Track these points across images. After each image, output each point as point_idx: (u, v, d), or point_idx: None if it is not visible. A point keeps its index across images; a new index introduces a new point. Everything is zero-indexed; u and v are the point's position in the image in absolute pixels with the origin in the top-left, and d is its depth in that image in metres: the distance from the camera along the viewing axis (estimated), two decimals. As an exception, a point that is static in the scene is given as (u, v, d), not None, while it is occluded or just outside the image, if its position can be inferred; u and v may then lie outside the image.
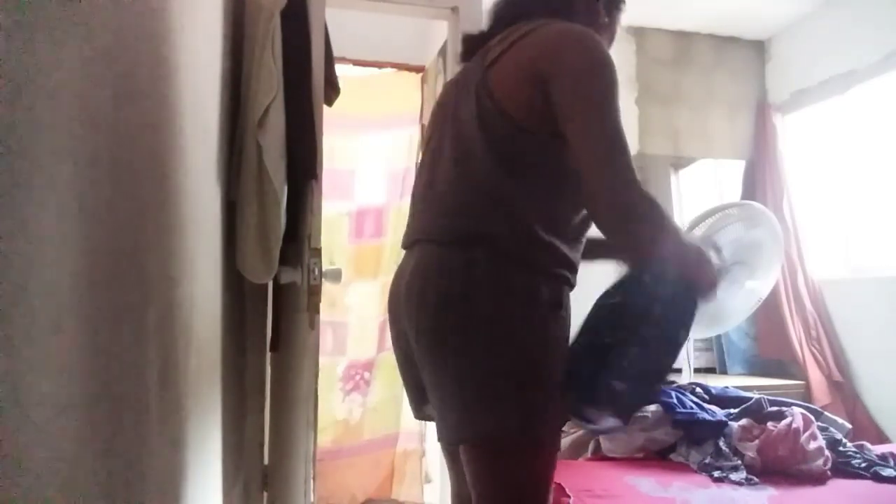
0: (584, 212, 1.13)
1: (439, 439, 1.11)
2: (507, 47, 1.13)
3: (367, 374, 3.08)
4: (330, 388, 2.99)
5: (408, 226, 1.26)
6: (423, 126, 3.05)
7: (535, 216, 1.08)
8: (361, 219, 3.09)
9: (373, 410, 3.06)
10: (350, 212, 3.08)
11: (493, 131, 1.09)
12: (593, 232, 1.16)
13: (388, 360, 3.03)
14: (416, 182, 1.27)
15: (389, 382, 3.04)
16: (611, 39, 1.30)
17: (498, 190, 1.09)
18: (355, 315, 3.08)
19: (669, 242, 1.08)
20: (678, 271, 1.10)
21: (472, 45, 1.24)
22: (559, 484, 1.65)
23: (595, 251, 1.33)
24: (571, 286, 1.15)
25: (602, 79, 1.06)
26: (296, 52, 1.51)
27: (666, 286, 1.09)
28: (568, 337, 1.12)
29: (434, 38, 2.76)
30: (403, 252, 1.25)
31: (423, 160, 1.28)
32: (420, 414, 1.25)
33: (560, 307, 1.10)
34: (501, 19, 1.24)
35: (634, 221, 1.04)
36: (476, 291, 1.05)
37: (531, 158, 1.09)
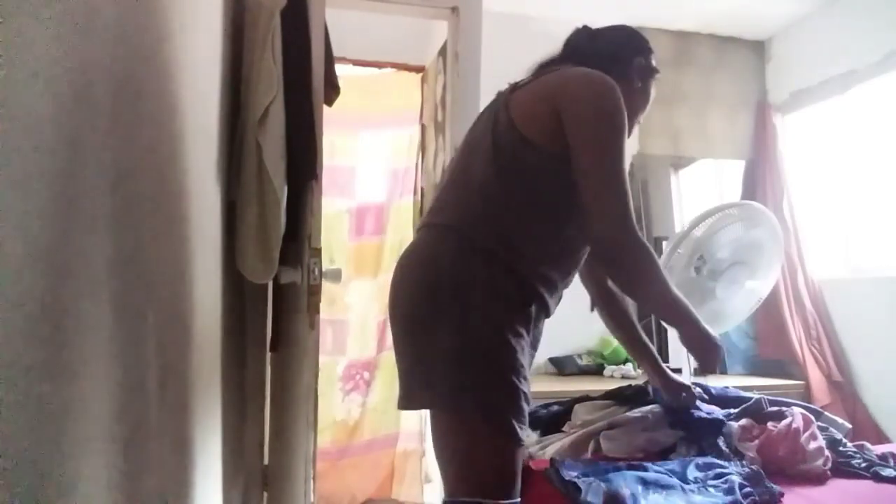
0: (569, 235, 1.22)
1: (399, 407, 1.18)
2: (535, 78, 1.26)
3: (366, 374, 3.06)
4: (329, 388, 2.98)
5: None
6: (422, 126, 3.05)
7: (524, 225, 1.17)
8: (362, 216, 3.08)
9: (372, 410, 3.04)
10: (350, 209, 3.06)
11: (501, 141, 1.19)
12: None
13: (389, 360, 3.01)
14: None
15: (390, 382, 3.02)
16: (644, 104, 1.41)
17: (494, 194, 1.17)
18: (355, 314, 3.06)
19: (672, 305, 1.22)
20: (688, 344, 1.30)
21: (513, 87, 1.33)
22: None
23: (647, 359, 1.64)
24: (545, 303, 1.22)
25: (612, 125, 1.15)
26: (296, 52, 1.50)
27: None
28: (532, 337, 1.20)
29: (434, 38, 2.76)
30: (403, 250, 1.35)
31: (447, 166, 1.41)
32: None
33: (527, 306, 1.17)
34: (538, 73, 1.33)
35: (625, 258, 1.16)
36: (449, 277, 1.14)
37: (531, 170, 1.17)
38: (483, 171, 1.18)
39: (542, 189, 1.17)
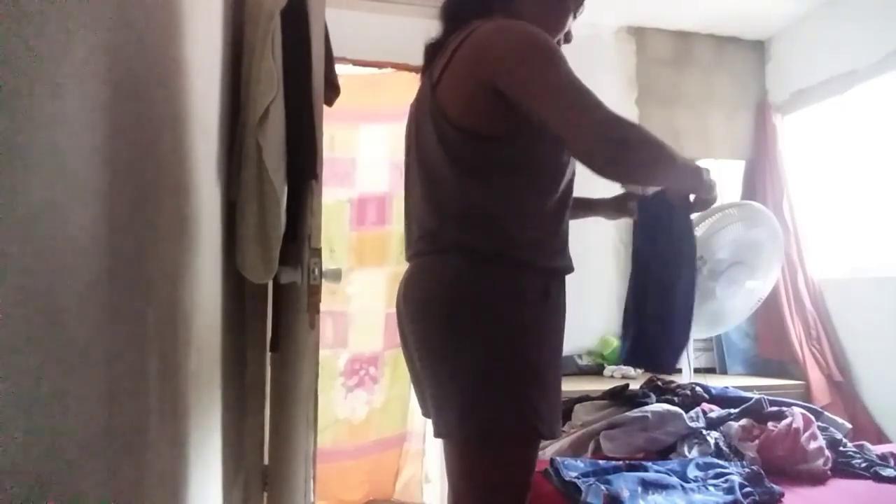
0: (558, 193, 1.16)
1: (436, 435, 1.14)
2: (447, 63, 1.15)
3: (372, 370, 2.99)
4: (330, 383, 2.92)
5: (405, 241, 1.32)
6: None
7: (511, 218, 1.11)
8: (363, 206, 3.04)
9: (380, 410, 2.98)
10: (351, 199, 3.02)
11: (454, 149, 1.12)
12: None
13: (397, 357, 2.98)
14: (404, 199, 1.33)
15: (398, 380, 2.97)
16: (565, 8, 1.25)
17: (469, 203, 1.12)
18: (358, 304, 3.00)
19: (670, 163, 1.12)
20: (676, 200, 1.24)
21: (430, 55, 1.27)
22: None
23: (584, 209, 1.45)
24: (565, 270, 1.18)
25: (535, 52, 1.06)
26: (296, 52, 1.50)
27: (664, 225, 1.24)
28: (561, 325, 1.17)
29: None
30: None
31: (404, 180, 1.32)
32: (427, 411, 1.29)
33: (548, 297, 1.13)
34: (445, 24, 1.27)
35: (631, 152, 1.02)
36: (467, 297, 1.09)
37: (495, 164, 1.11)
38: (457, 190, 1.12)
39: (521, 175, 1.12)
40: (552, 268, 1.15)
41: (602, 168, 1.01)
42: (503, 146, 1.10)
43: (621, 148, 1.00)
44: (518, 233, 1.11)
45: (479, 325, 1.08)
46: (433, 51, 1.26)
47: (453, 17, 1.24)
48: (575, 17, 1.28)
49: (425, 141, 1.17)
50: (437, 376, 1.13)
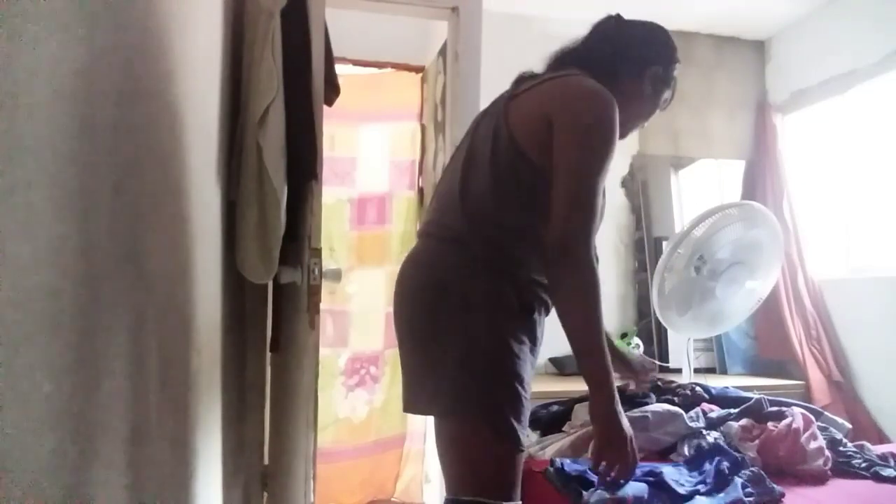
0: None
1: (404, 410, 1.25)
2: (534, 85, 1.24)
3: (373, 369, 3.00)
4: (331, 381, 2.92)
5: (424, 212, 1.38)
6: (422, 126, 3.05)
7: (519, 235, 1.19)
8: (363, 206, 3.05)
9: (381, 410, 2.98)
10: (351, 198, 3.03)
11: (499, 153, 1.20)
12: None
13: (397, 356, 2.97)
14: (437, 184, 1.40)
15: (398, 379, 2.97)
16: (650, 111, 1.35)
17: (489, 205, 1.19)
18: (358, 303, 3.01)
19: (598, 363, 1.12)
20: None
21: (522, 80, 1.31)
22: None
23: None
24: (546, 302, 1.23)
25: (597, 138, 1.14)
26: (296, 52, 1.50)
27: None
28: (536, 342, 1.21)
29: (434, 38, 2.76)
30: (411, 241, 1.36)
31: (449, 159, 1.39)
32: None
33: (532, 312, 1.20)
34: (551, 66, 1.32)
35: (567, 272, 1.10)
36: (452, 287, 1.17)
37: (527, 184, 1.18)
38: (482, 184, 1.19)
39: (538, 203, 1.17)
40: (541, 297, 1.21)
41: (549, 257, 1.11)
42: (537, 171, 1.16)
43: (572, 262, 1.10)
44: (522, 255, 1.19)
45: (460, 320, 1.14)
46: (526, 78, 1.30)
47: (558, 64, 1.30)
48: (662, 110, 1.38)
49: (479, 141, 1.25)
50: (414, 356, 1.22)
